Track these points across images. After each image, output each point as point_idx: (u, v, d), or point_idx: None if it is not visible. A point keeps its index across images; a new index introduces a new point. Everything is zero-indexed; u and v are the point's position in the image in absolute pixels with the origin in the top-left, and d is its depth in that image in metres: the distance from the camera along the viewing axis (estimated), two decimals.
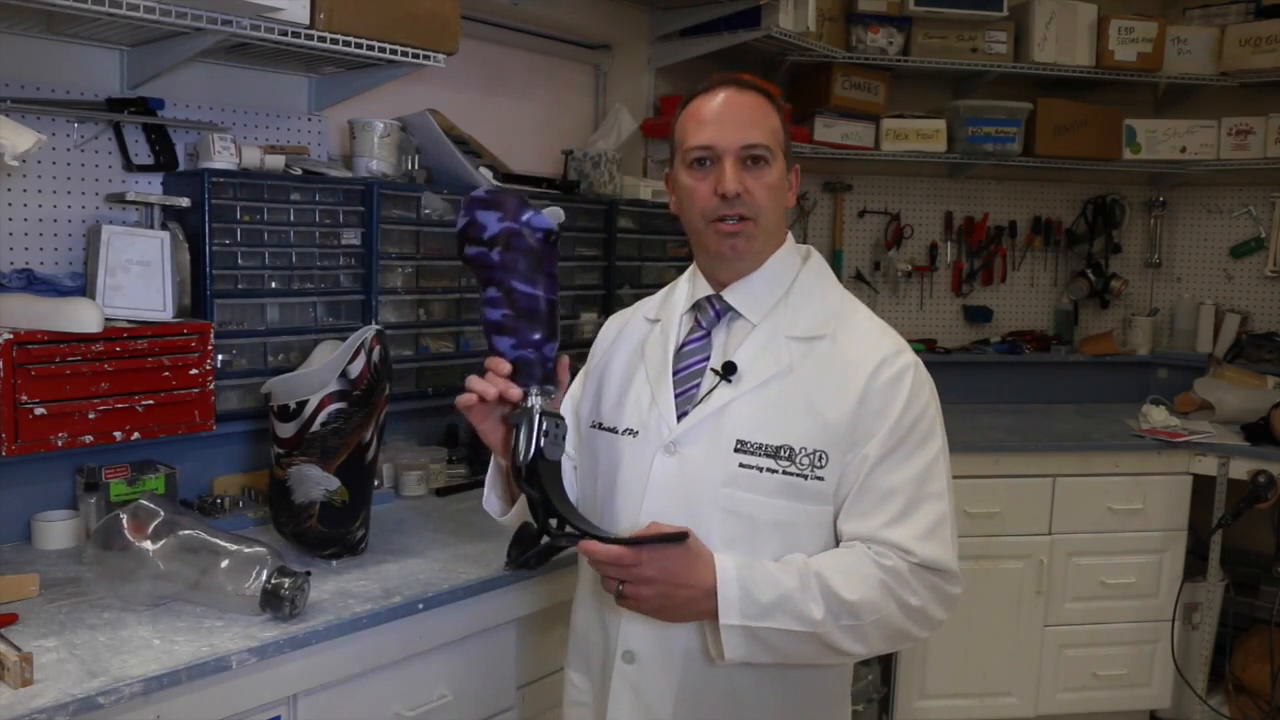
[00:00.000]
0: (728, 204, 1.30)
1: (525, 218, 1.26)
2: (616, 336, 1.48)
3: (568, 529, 1.25)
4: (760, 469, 1.26)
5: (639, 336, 1.44)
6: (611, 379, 1.43)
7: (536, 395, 1.26)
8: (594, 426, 1.42)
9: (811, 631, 1.21)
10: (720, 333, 1.36)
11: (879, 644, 1.26)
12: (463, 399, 1.27)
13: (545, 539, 1.31)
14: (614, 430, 1.38)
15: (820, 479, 1.26)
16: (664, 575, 1.20)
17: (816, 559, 1.25)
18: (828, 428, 1.26)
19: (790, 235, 1.42)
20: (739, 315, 1.35)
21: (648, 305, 1.49)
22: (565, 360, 1.30)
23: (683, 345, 1.37)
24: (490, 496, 1.43)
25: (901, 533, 1.25)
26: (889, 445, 1.26)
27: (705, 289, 1.38)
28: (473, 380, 1.27)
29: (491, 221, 1.26)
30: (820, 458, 1.26)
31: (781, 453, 1.26)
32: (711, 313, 1.37)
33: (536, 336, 1.27)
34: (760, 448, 1.27)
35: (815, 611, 1.20)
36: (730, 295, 1.36)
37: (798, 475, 1.26)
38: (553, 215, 1.30)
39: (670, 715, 1.31)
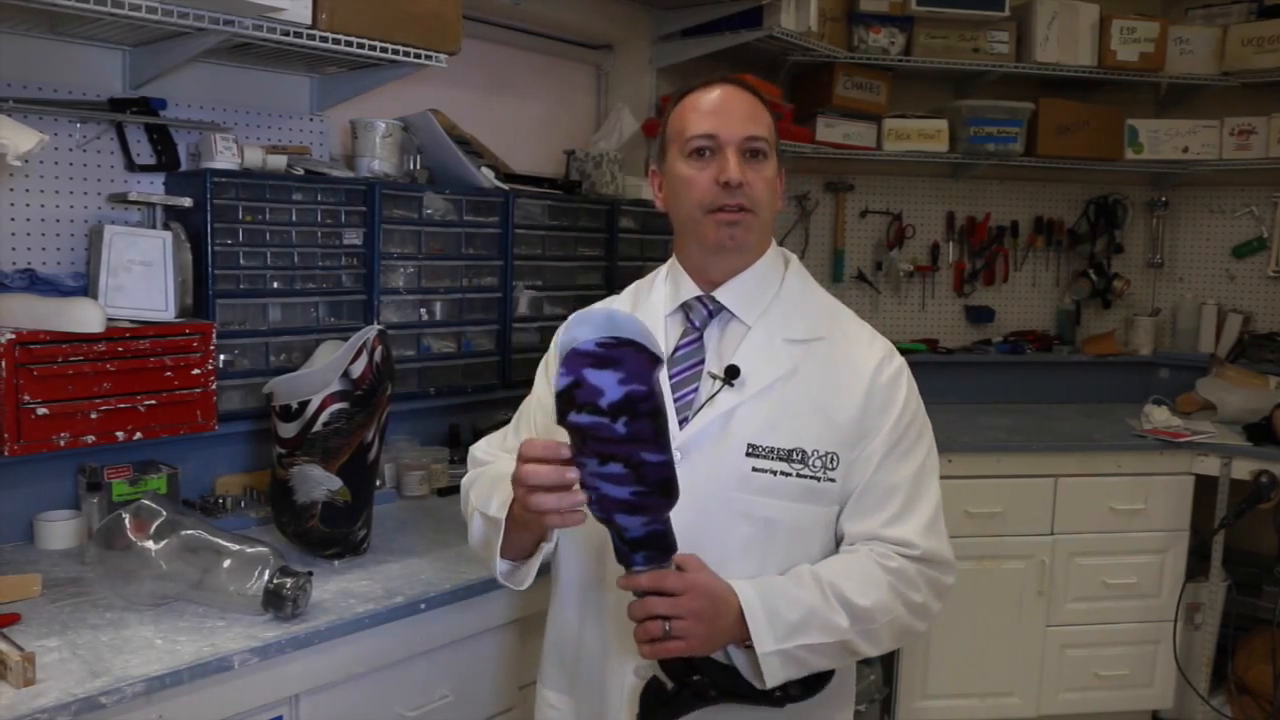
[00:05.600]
0: (729, 193, 1.28)
1: (658, 374, 1.02)
2: None
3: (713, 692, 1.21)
4: (774, 472, 1.26)
5: None
6: None
7: (658, 567, 1.13)
8: None
9: (839, 641, 1.22)
10: (713, 334, 1.34)
11: (889, 643, 1.28)
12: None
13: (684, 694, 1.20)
14: None
15: (832, 480, 1.27)
16: (708, 604, 1.15)
17: (823, 569, 1.25)
18: (837, 429, 1.28)
19: (773, 239, 1.41)
20: (733, 316, 1.34)
21: (618, 306, 1.41)
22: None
23: (675, 350, 1.34)
24: (500, 563, 1.31)
25: (904, 529, 1.28)
26: (891, 442, 1.29)
27: (692, 289, 1.35)
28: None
29: (610, 385, 1.00)
30: (832, 459, 1.27)
31: (794, 455, 1.26)
32: (704, 312, 1.34)
33: (668, 502, 1.10)
34: (773, 451, 1.26)
35: (841, 620, 1.22)
36: (723, 295, 1.34)
37: (811, 478, 1.26)
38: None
39: None
